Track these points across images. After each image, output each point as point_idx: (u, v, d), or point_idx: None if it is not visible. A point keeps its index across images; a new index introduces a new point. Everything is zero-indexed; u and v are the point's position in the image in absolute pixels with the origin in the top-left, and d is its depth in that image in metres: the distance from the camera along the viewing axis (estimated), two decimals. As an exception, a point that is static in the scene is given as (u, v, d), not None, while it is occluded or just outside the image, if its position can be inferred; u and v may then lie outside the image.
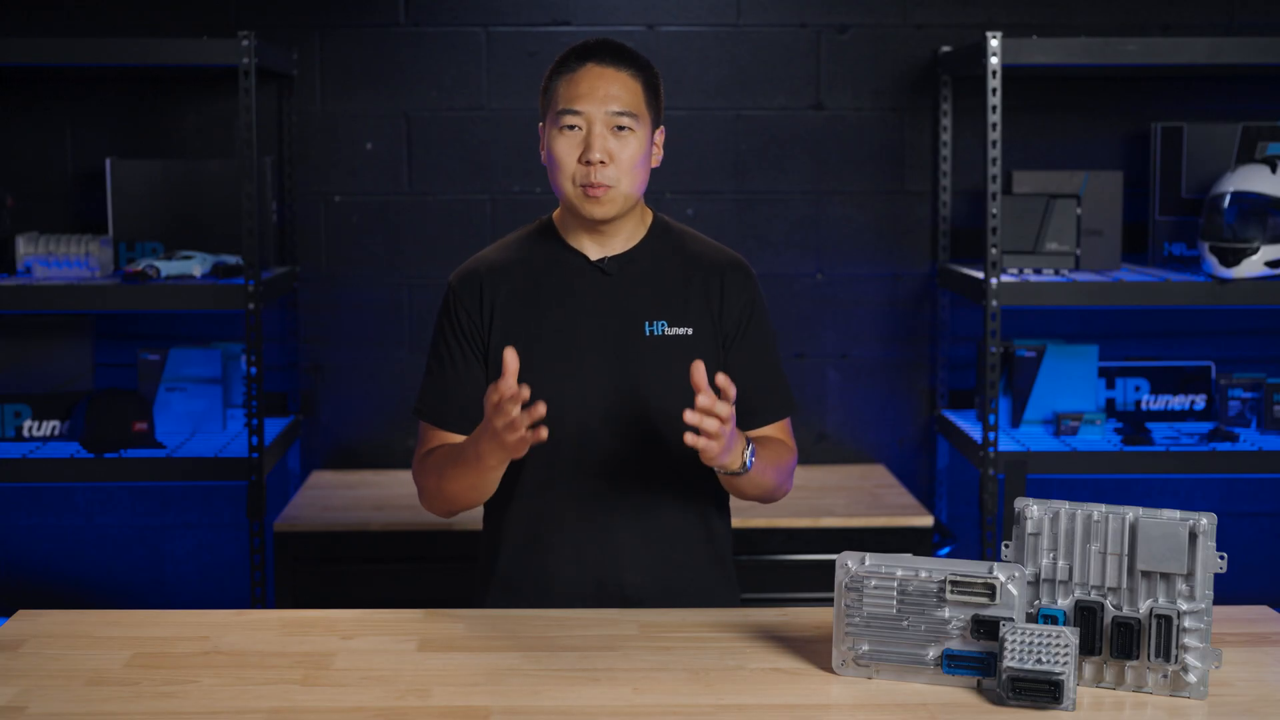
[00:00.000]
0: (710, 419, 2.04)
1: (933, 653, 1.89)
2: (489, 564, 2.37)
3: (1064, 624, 1.89)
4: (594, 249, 2.33)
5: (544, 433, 2.07)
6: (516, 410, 2.04)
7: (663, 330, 2.31)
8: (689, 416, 2.04)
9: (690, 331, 2.31)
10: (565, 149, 2.27)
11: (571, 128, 2.26)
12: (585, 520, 2.30)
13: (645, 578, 2.30)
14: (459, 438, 2.31)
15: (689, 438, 2.06)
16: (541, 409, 2.06)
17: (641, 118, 2.28)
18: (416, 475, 2.35)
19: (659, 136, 2.35)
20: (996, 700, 1.85)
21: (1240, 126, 3.68)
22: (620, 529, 2.30)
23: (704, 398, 2.03)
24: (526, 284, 2.33)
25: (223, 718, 1.82)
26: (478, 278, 2.34)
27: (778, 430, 2.40)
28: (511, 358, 2.05)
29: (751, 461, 2.20)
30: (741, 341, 2.35)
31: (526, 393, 2.05)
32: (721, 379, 2.07)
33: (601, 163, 2.24)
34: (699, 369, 2.04)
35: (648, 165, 2.31)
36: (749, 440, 2.22)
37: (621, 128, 2.26)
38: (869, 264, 4.03)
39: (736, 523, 2.52)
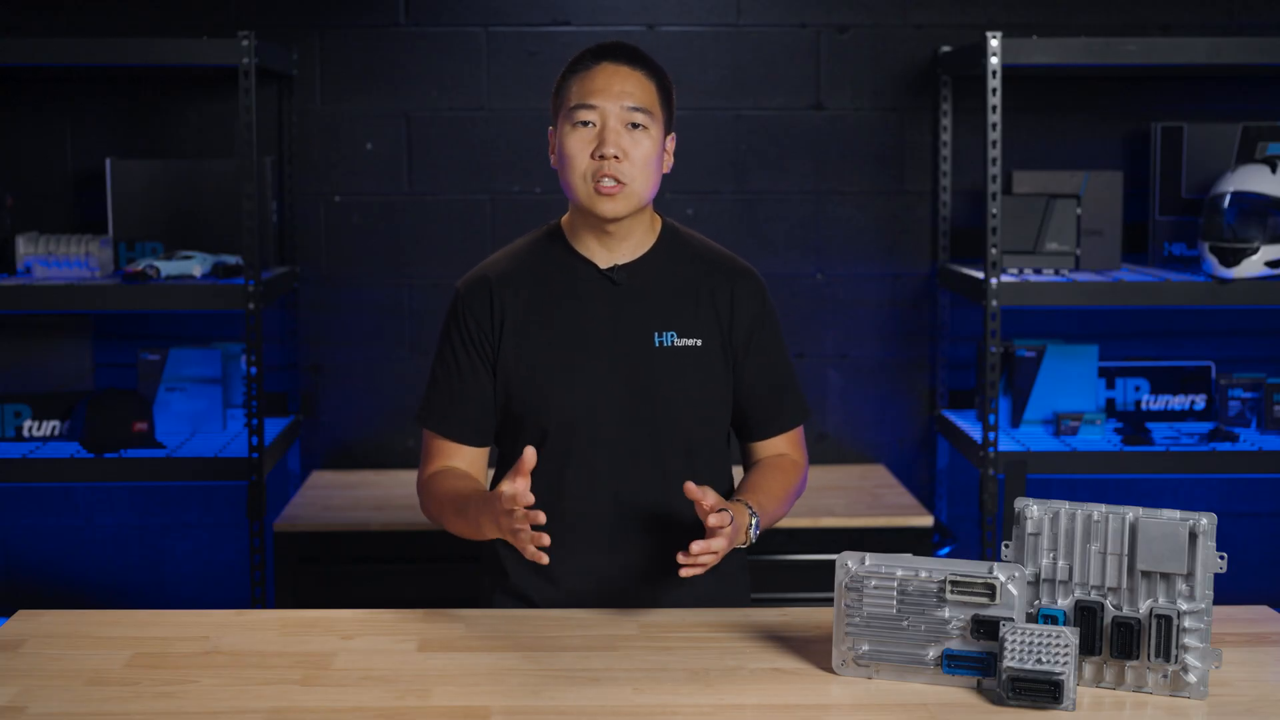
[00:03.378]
0: (708, 555, 2.09)
1: (933, 653, 1.89)
2: (498, 571, 2.36)
3: (1064, 624, 1.88)
4: (603, 256, 2.31)
5: (541, 518, 2.05)
6: (522, 515, 2.04)
7: (672, 341, 2.29)
8: (695, 547, 2.07)
9: (699, 343, 2.30)
10: (578, 145, 2.24)
11: (585, 124, 2.23)
12: (594, 531, 2.29)
13: (654, 589, 2.29)
14: (464, 447, 2.32)
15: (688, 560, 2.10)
16: (540, 517, 2.04)
17: (655, 117, 2.26)
18: (421, 492, 2.34)
19: (670, 143, 2.32)
20: (996, 700, 1.85)
21: (1240, 126, 3.68)
22: (628, 540, 2.29)
23: (697, 544, 2.07)
24: (535, 293, 2.31)
25: (223, 718, 1.82)
26: (487, 285, 2.31)
27: (787, 441, 2.40)
28: (530, 456, 2.05)
29: (756, 534, 2.22)
30: (752, 352, 2.34)
31: (531, 499, 2.04)
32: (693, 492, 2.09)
33: (615, 158, 2.21)
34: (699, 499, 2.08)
35: (659, 168, 2.28)
36: (751, 512, 2.22)
37: (636, 125, 2.23)
38: (869, 264, 4.03)
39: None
